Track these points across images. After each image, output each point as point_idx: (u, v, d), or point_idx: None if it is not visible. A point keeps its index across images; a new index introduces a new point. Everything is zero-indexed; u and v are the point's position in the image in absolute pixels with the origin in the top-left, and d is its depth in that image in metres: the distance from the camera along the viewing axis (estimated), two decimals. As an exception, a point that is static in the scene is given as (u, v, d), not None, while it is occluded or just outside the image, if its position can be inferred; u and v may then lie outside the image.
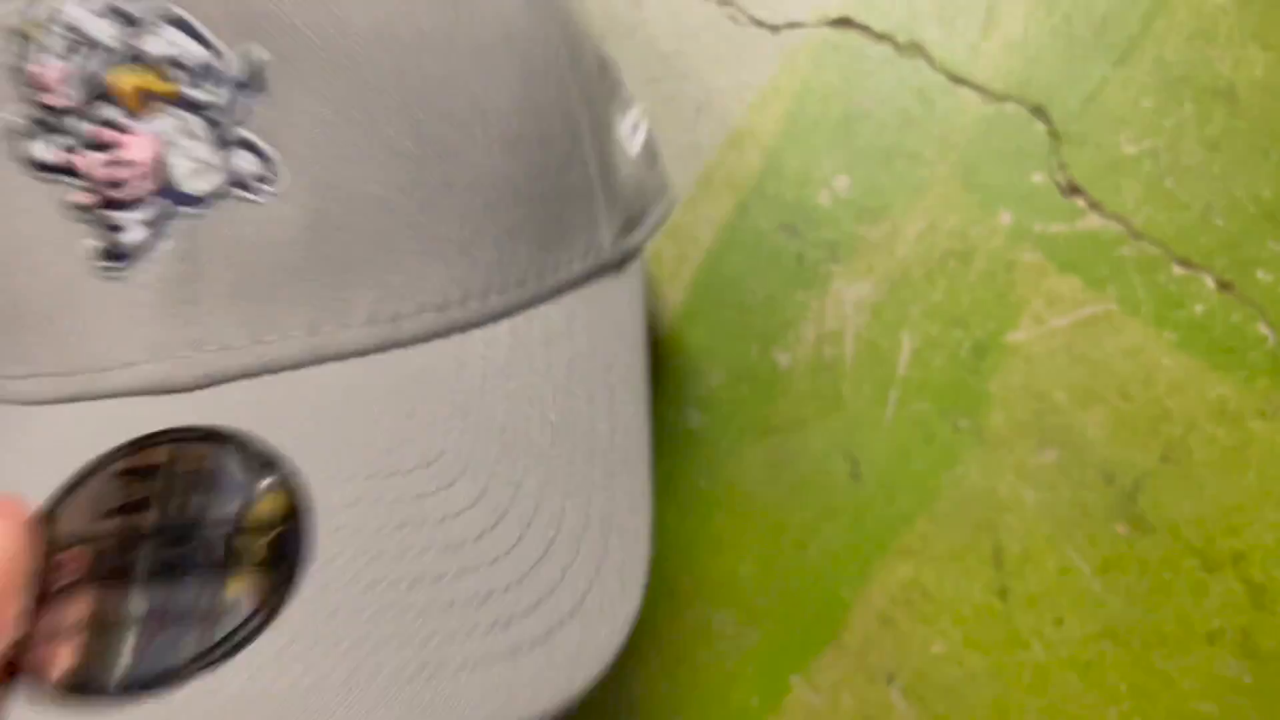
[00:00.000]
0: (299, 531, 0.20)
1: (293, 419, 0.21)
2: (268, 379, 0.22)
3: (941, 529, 0.34)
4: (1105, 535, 0.33)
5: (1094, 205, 0.35)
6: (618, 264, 0.27)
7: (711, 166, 0.37)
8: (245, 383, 0.22)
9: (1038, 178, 0.35)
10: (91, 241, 0.21)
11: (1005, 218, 0.35)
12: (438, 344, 0.23)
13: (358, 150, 0.21)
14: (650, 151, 0.29)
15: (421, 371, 0.22)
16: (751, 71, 0.37)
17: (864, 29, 0.37)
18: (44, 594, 0.19)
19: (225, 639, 0.19)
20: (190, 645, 0.19)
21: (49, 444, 0.21)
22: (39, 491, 0.21)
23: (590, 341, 0.25)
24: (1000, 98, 0.36)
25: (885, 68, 0.37)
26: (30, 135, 0.21)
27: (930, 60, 0.36)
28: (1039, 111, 0.36)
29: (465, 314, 0.23)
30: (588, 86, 0.26)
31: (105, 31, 0.21)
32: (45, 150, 0.21)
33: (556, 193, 0.24)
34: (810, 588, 0.35)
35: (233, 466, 0.21)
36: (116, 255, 0.21)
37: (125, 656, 0.19)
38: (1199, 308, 0.34)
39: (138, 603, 0.19)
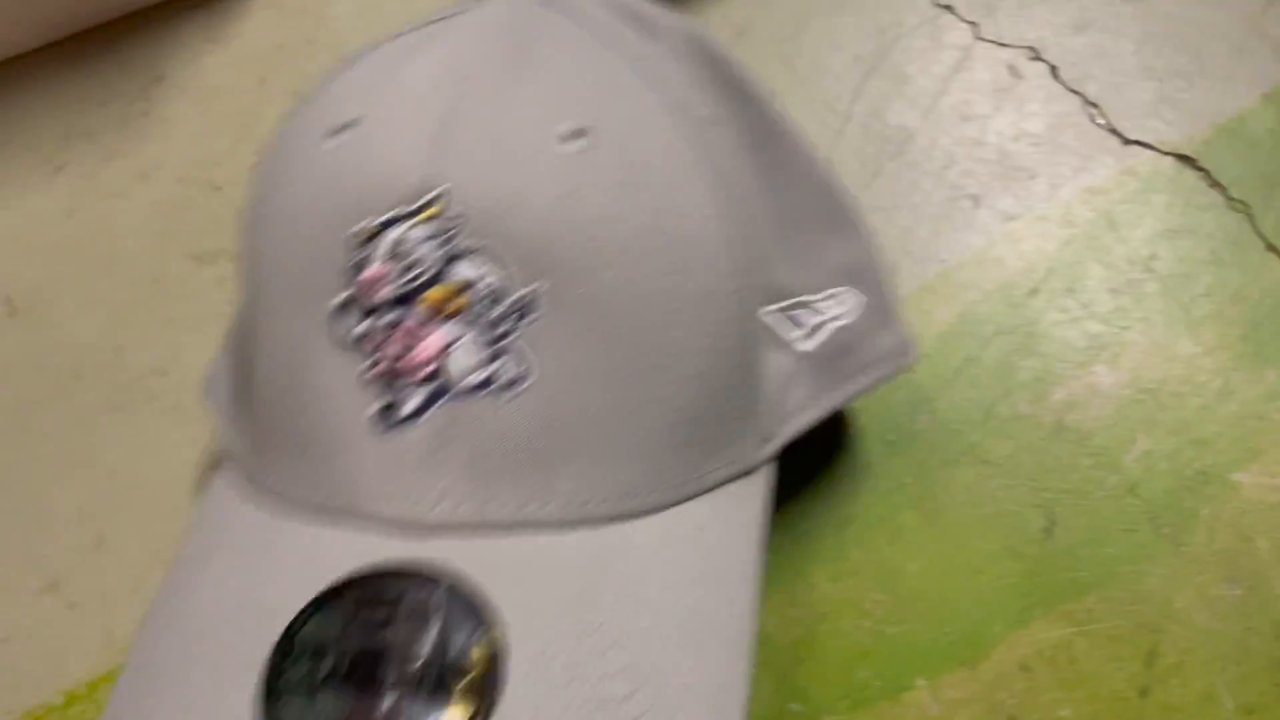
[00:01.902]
0: (498, 674, 0.24)
1: (499, 572, 0.26)
2: (482, 537, 0.27)
3: (1109, 611, 0.36)
4: (1258, 683, 0.35)
5: (1357, 399, 0.37)
6: (749, 470, 0.31)
7: (1017, 228, 0.41)
8: (467, 536, 0.27)
9: (1313, 355, 0.38)
10: (377, 404, 0.27)
11: (1271, 375, 0.38)
12: (613, 527, 0.28)
13: (588, 370, 0.27)
14: (835, 344, 0.33)
15: (599, 549, 0.27)
16: (1090, 165, 0.41)
17: (1203, 172, 0.41)
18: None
19: None
20: None
21: (297, 558, 0.27)
22: (282, 596, 0.26)
23: (721, 537, 0.29)
24: (1305, 277, 0.39)
25: (1210, 210, 0.40)
26: (346, 318, 0.27)
27: (1253, 221, 0.40)
28: (1336, 302, 0.38)
29: (634, 505, 0.28)
30: (759, 333, 0.31)
31: (429, 254, 0.26)
32: (355, 330, 0.27)
33: (718, 416, 0.30)
34: (968, 610, 0.36)
35: (452, 605, 0.25)
36: (392, 419, 0.27)
37: None
38: None
39: (383, 707, 0.24)
